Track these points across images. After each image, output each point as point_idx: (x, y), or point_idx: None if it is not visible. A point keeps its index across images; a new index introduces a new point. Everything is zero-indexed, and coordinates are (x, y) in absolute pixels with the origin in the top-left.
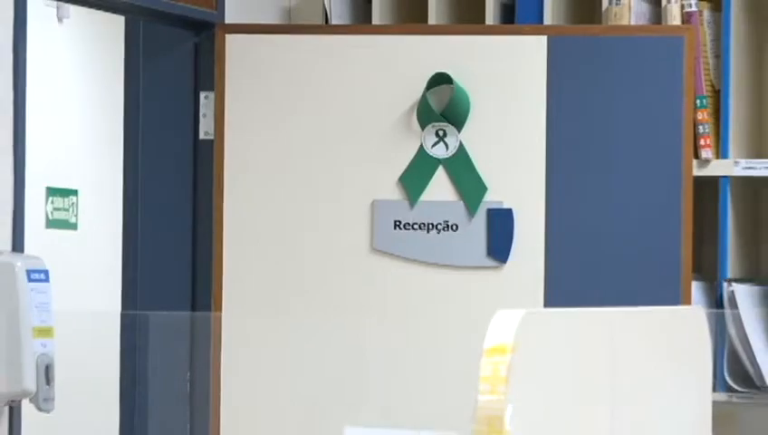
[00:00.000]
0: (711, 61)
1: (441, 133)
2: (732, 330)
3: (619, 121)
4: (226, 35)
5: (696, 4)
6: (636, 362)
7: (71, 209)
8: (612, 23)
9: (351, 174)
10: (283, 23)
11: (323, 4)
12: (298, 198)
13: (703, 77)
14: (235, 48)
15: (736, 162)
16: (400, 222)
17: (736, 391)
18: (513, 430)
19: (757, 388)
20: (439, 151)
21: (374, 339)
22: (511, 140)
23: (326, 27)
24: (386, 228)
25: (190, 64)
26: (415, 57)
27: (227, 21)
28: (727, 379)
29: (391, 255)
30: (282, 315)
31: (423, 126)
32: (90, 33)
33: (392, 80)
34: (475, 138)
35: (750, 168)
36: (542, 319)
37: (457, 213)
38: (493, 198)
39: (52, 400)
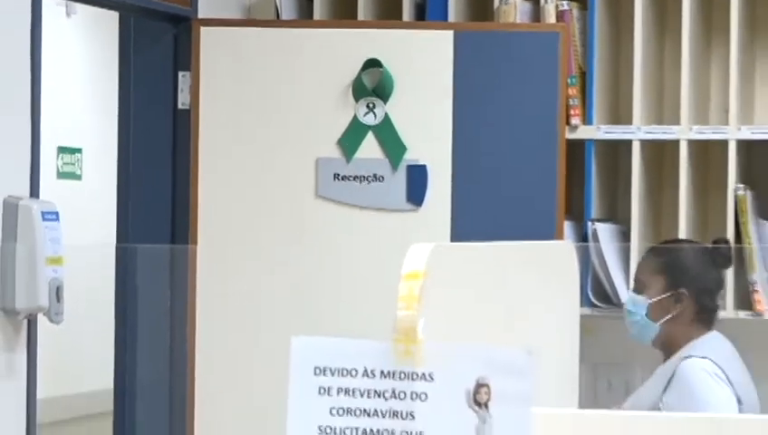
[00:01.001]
0: (579, 49)
1: (371, 106)
2: (595, 259)
3: (510, 97)
4: (201, 27)
5: (567, 3)
6: (521, 285)
7: (76, 164)
8: (503, 20)
9: (300, 137)
10: (244, 17)
11: (275, 3)
12: (259, 155)
13: (573, 61)
14: (206, 37)
15: (599, 128)
16: (339, 175)
17: (598, 306)
18: (424, 339)
19: (613, 304)
20: (369, 120)
21: (320, 266)
22: (425, 112)
23: (278, 21)
24: (327, 180)
25: (171, 50)
26: (349, 46)
27: (200, 16)
28: (591, 297)
29: (332, 200)
30: (248, 248)
31: (357, 100)
32: (92, 26)
33: (332, 64)
34: (397, 109)
35: (609, 132)
36: (448, 251)
37: (383, 168)
38: (411, 156)
39: (62, 314)
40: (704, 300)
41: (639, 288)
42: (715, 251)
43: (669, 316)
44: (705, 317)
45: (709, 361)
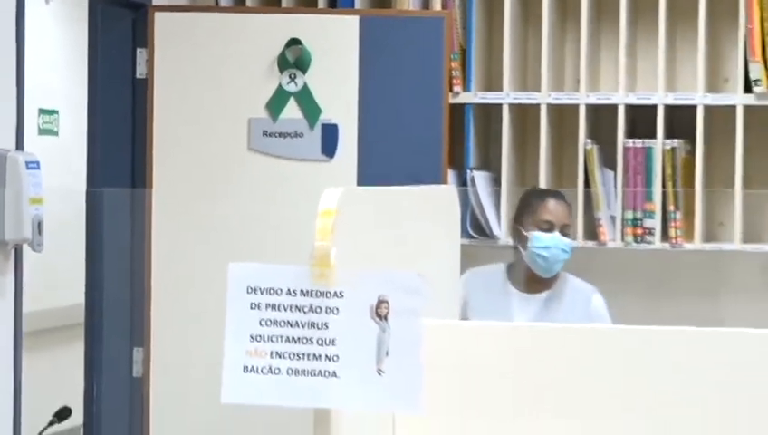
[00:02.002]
0: (459, 30)
1: (292, 76)
2: (472, 200)
3: (405, 70)
4: (155, 12)
5: None
6: (414, 221)
7: (53, 123)
8: (399, 7)
9: (236, 101)
10: (189, 4)
11: None
12: (202, 115)
13: (455, 41)
14: (159, 20)
15: (475, 94)
16: (267, 132)
17: (474, 237)
18: (336, 264)
19: (487, 235)
20: (291, 87)
21: (252, 205)
22: (337, 81)
23: (217, 7)
24: (258, 136)
25: (130, 30)
26: (274, 27)
27: (154, 3)
28: (470, 230)
29: (261, 152)
30: (194, 190)
31: (281, 71)
32: (67, 11)
33: (261, 42)
34: (314, 79)
35: (483, 98)
36: (355, 194)
37: (302, 126)
38: (325, 117)
39: (42, 244)
40: None
41: (566, 231)
42: None
43: None
44: None
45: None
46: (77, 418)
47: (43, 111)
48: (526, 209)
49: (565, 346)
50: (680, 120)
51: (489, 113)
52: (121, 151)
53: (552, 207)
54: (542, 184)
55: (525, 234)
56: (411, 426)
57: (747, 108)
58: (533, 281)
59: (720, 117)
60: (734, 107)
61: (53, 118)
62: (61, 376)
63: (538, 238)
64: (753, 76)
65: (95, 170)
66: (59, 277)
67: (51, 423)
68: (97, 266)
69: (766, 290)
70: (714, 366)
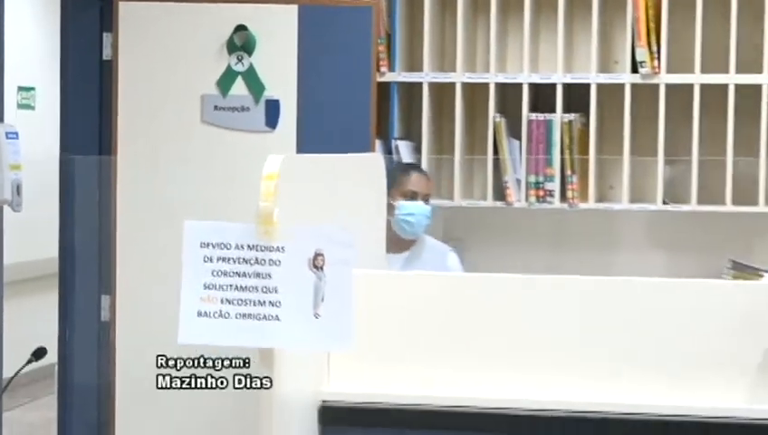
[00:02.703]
0: (385, 18)
1: (240, 57)
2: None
3: (338, 52)
4: (119, 2)
5: None
6: (345, 183)
7: (31, 99)
8: None
9: (190, 79)
10: None
11: None
12: (160, 92)
13: (382, 27)
14: (123, 9)
15: (399, 74)
16: (217, 106)
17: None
18: (278, 222)
19: None
20: (239, 68)
21: (205, 171)
22: (278, 62)
23: None
24: (209, 110)
25: (98, 17)
26: (224, 15)
27: None
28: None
29: (212, 124)
30: (154, 156)
31: (230, 53)
32: (42, 1)
33: (212, 27)
34: (258, 60)
35: (406, 77)
36: (295, 160)
37: (249, 101)
38: (268, 93)
39: (20, 205)
40: None
41: (427, 200)
42: None
43: None
44: None
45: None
46: (52, 357)
47: (21, 89)
48: (392, 182)
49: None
50: (576, 96)
51: (411, 90)
52: (90, 123)
53: (416, 180)
54: (457, 152)
55: (393, 203)
56: (343, 364)
57: (634, 86)
58: (396, 243)
59: (610, 94)
60: (622, 85)
61: (31, 94)
62: (37, 320)
63: (404, 207)
64: (639, 58)
65: (67, 140)
66: (36, 234)
67: (29, 362)
68: (69, 224)
69: (650, 244)
70: (604, 310)
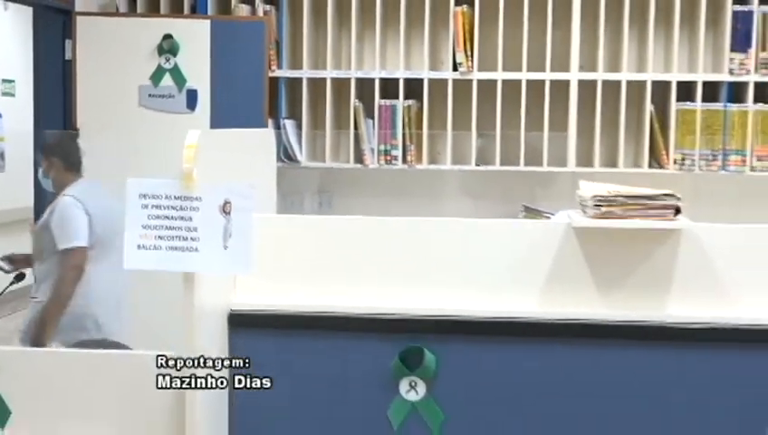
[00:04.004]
0: (275, 28)
1: (168, 58)
2: (284, 138)
3: (238, 55)
4: (77, 16)
5: (269, 6)
6: (247, 151)
7: (11, 88)
8: (236, 14)
9: (131, 74)
10: (100, 11)
11: (116, 3)
12: (108, 84)
13: (272, 36)
14: (80, 21)
15: (286, 71)
16: (151, 94)
17: (285, 162)
18: (197, 179)
19: (293, 161)
20: (167, 66)
21: (141, 141)
22: (196, 61)
23: (119, 13)
24: (145, 96)
25: (61, 27)
26: (155, 27)
27: (77, 10)
28: (282, 158)
29: (147, 107)
30: (104, 132)
31: (159, 55)
32: (20, 15)
33: (147, 35)
34: (182, 60)
35: (291, 74)
36: (210, 133)
37: (174, 91)
38: (189, 85)
39: (4, 167)
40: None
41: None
42: None
43: None
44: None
45: (71, 197)
46: (29, 280)
47: (4, 81)
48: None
49: (331, 230)
50: (413, 87)
51: (294, 84)
52: (56, 106)
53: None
54: (328, 128)
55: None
56: (246, 284)
57: (455, 81)
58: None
59: (438, 86)
60: (446, 80)
61: (12, 85)
62: (20, 251)
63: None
64: (458, 60)
65: (39, 119)
66: (16, 188)
67: (11, 283)
68: (41, 182)
69: (466, 195)
70: (433, 242)
